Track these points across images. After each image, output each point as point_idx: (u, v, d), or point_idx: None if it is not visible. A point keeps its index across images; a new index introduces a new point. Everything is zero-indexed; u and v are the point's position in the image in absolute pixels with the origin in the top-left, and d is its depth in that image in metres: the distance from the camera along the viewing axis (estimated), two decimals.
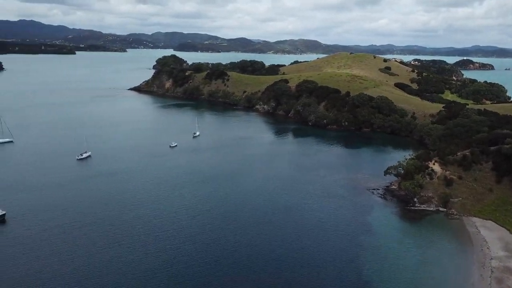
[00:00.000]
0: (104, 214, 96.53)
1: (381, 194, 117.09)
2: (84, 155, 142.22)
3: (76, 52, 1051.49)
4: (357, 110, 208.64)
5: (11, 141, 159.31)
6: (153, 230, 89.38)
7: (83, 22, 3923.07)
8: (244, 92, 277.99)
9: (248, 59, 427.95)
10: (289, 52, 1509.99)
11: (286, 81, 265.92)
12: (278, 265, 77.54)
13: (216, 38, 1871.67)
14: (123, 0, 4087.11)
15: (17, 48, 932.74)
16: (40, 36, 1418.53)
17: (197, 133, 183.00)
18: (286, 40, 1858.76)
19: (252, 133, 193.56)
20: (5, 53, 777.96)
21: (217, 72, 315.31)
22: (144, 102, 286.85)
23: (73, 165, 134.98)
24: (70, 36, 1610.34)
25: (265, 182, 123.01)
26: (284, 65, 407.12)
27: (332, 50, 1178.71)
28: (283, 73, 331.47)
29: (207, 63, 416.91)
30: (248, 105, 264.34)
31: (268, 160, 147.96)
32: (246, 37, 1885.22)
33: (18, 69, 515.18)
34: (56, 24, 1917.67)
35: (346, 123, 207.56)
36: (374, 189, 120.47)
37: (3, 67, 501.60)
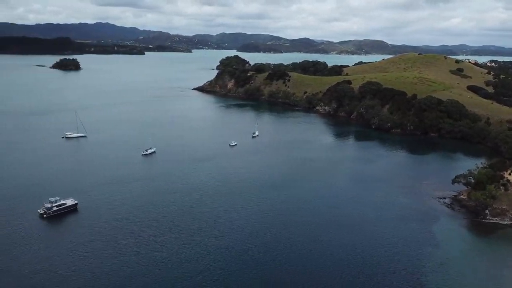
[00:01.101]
0: (166, 209, 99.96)
1: (448, 204, 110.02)
2: (149, 151, 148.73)
3: (145, 52, 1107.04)
4: (424, 114, 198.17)
5: (85, 136, 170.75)
6: (212, 228, 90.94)
7: (153, 24, 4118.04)
8: (305, 93, 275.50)
9: (310, 60, 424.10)
10: (353, 53, 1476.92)
11: (349, 82, 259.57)
12: (337, 272, 75.40)
13: (279, 38, 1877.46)
14: (190, 2, 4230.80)
15: (92, 49, 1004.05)
16: (114, 38, 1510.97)
17: (256, 133, 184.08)
18: (350, 41, 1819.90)
19: (311, 135, 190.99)
20: (83, 53, 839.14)
21: (279, 72, 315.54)
22: (206, 102, 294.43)
23: (139, 160, 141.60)
24: (140, 37, 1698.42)
25: (324, 187, 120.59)
26: (348, 66, 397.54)
27: (399, 50, 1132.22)
28: (346, 74, 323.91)
29: (269, 64, 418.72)
30: (308, 106, 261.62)
31: (327, 163, 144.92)
32: (309, 38, 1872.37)
33: (93, 68, 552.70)
34: (128, 26, 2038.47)
35: (412, 127, 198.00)
36: (440, 198, 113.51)
37: (81, 66, 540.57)
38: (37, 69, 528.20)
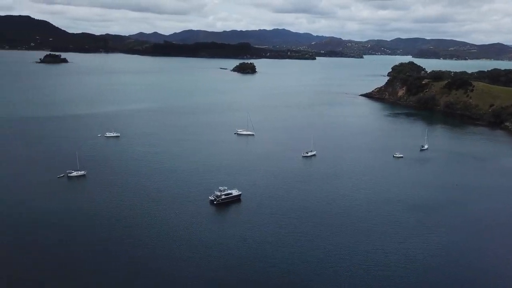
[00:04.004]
0: (323, 212, 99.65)
1: None
2: (310, 154, 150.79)
3: (316, 57, 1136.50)
4: None
5: (253, 135, 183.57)
6: (358, 238, 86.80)
7: (326, 29, 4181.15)
8: (491, 105, 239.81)
9: (502, 68, 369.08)
10: None
11: None
12: None
13: (463, 44, 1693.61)
14: (363, 7, 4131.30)
15: (268, 54, 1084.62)
16: (288, 43, 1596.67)
17: (426, 147, 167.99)
18: None
19: (493, 156, 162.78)
20: (259, 58, 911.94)
21: (460, 81, 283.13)
22: (373, 109, 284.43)
23: (299, 161, 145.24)
24: (313, 43, 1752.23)
25: (495, 224, 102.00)
26: None
27: None
28: None
29: (449, 71, 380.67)
30: (494, 121, 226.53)
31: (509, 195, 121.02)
32: (503, 43, 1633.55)
33: (267, 72, 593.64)
34: (302, 32, 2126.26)
35: None
36: None
37: (256, 70, 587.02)
38: (220, 71, 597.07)
